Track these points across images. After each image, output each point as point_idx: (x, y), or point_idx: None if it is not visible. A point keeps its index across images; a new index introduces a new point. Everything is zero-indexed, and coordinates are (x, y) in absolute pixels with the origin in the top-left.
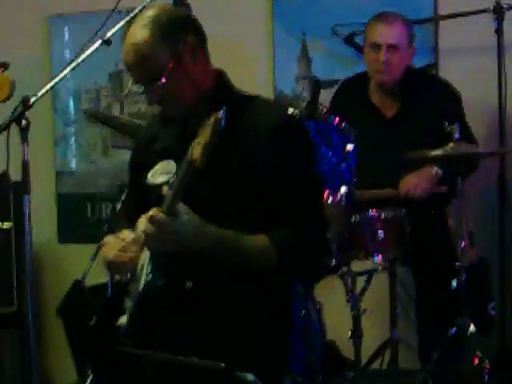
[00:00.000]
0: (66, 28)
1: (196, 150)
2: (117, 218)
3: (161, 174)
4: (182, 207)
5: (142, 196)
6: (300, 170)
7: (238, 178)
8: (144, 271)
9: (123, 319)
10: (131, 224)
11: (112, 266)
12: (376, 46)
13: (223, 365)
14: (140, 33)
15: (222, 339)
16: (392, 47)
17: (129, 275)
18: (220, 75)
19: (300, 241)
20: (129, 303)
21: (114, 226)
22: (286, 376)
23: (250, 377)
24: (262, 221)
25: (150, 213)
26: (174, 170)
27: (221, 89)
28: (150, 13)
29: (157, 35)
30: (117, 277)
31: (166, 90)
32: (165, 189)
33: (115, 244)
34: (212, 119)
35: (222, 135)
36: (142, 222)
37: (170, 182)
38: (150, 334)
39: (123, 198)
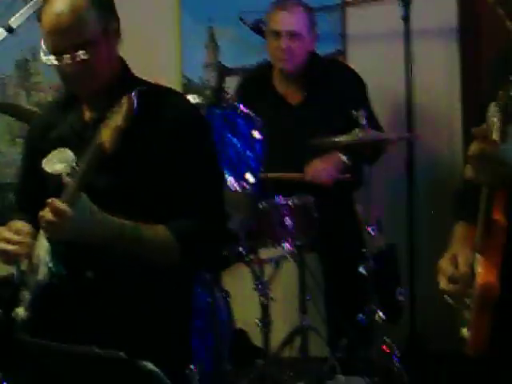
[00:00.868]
0: None
1: (105, 133)
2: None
3: (57, 161)
4: (81, 196)
5: (36, 183)
6: (199, 159)
7: (141, 167)
8: (43, 261)
9: (20, 310)
10: (25, 212)
11: (4, 258)
12: (276, 34)
13: (123, 354)
14: None
15: (123, 328)
16: (292, 34)
17: (24, 266)
18: (122, 62)
19: (199, 229)
20: (26, 293)
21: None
22: (190, 364)
23: (150, 366)
24: (164, 210)
25: (50, 201)
26: (71, 159)
27: (123, 76)
28: None
29: (91, 2)
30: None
31: (87, 62)
32: (65, 178)
33: (7, 236)
34: (124, 102)
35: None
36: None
37: (71, 171)
38: (50, 324)
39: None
